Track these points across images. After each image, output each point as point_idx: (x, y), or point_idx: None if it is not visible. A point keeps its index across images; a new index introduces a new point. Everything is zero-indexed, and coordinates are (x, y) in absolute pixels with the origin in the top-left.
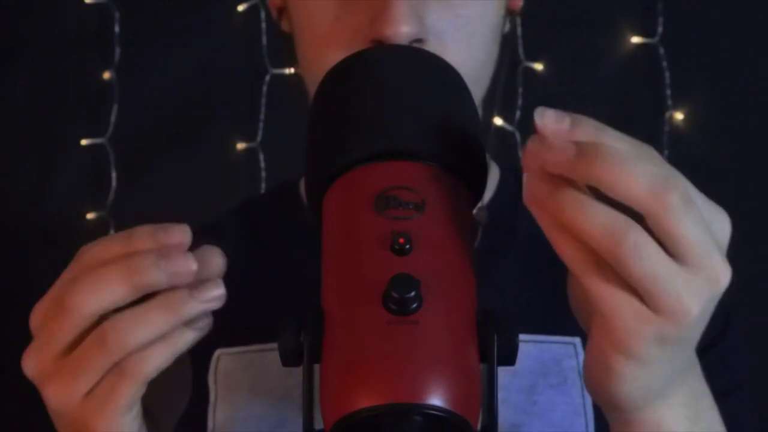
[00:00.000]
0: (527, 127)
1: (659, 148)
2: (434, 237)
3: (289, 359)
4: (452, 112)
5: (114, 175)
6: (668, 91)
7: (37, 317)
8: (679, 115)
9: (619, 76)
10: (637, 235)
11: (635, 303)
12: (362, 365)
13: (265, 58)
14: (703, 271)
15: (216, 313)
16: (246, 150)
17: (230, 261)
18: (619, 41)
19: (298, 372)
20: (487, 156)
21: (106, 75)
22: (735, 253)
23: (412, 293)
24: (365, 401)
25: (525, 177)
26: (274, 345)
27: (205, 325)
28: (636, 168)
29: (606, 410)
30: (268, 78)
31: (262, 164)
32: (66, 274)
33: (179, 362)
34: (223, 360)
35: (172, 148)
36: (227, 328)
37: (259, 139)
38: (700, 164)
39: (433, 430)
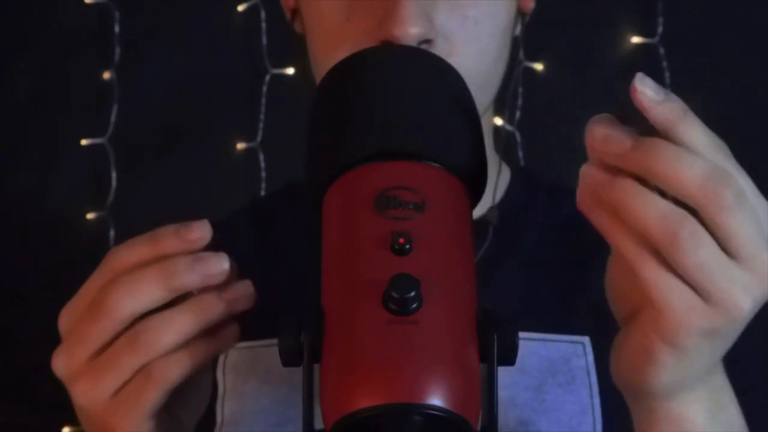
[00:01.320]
0: (527, 127)
1: None
2: (434, 237)
3: (289, 359)
4: (453, 112)
5: (114, 175)
6: None
7: (68, 318)
8: None
9: (619, 76)
10: (693, 227)
11: (690, 294)
12: (362, 365)
13: (265, 58)
14: (755, 269)
15: None
16: (246, 150)
17: (240, 258)
18: (619, 41)
19: None
20: (498, 157)
21: (106, 75)
22: None
23: (412, 293)
24: (365, 401)
25: (582, 169)
26: None
27: (232, 335)
28: (690, 163)
29: (630, 397)
30: (268, 78)
31: (262, 164)
32: (96, 277)
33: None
34: (232, 354)
35: (172, 148)
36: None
37: (259, 139)
38: None
39: (433, 430)
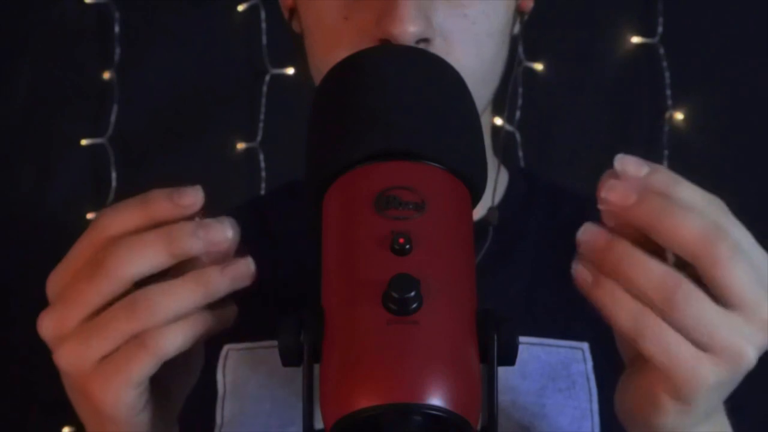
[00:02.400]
0: (527, 127)
1: (659, 148)
2: (434, 237)
3: (289, 359)
4: (452, 112)
5: (114, 175)
6: (668, 91)
7: (59, 281)
8: (679, 115)
9: (619, 76)
10: (687, 286)
11: (693, 350)
12: (362, 365)
13: (265, 58)
14: (754, 318)
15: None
16: (246, 150)
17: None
18: (619, 41)
19: None
20: (496, 159)
21: (106, 75)
22: None
23: (412, 293)
24: (365, 401)
25: (580, 232)
26: None
27: (230, 316)
28: (686, 219)
29: (631, 430)
30: (268, 78)
31: (262, 164)
32: (87, 240)
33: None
34: (232, 355)
35: (172, 148)
36: (237, 323)
37: (259, 139)
38: (700, 164)
39: (433, 430)
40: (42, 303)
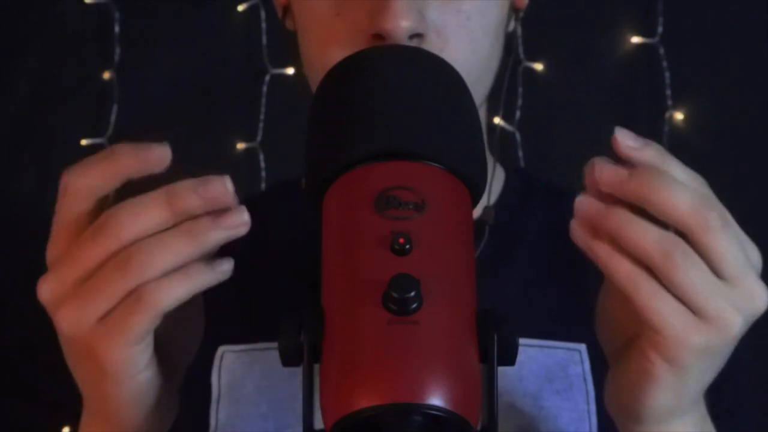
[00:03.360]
0: (527, 127)
1: None
2: (434, 237)
3: (289, 359)
4: (452, 112)
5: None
6: (668, 91)
7: (56, 248)
8: (679, 115)
9: (619, 76)
10: (685, 248)
11: (686, 313)
12: (362, 365)
13: (265, 58)
14: (742, 287)
15: (220, 310)
16: (246, 150)
17: (235, 256)
18: (619, 41)
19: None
20: (492, 158)
21: (106, 75)
22: None
23: (412, 293)
24: (365, 401)
25: (577, 199)
26: None
27: (227, 269)
28: (679, 190)
29: (623, 422)
30: (268, 78)
31: (262, 164)
32: (67, 204)
33: (193, 302)
34: (227, 357)
35: (172, 148)
36: (231, 325)
37: (259, 139)
38: (700, 164)
39: (433, 430)
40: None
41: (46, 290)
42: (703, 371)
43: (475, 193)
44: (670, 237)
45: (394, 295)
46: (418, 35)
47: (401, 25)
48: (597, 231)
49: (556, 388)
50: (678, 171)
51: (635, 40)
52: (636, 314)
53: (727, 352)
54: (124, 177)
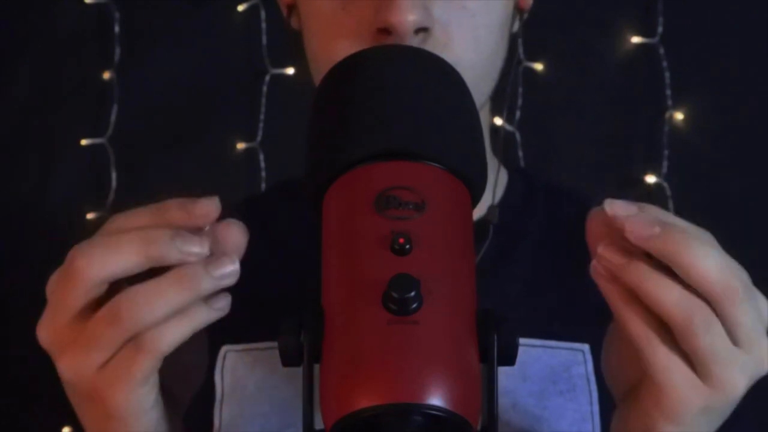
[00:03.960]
0: (527, 127)
1: (659, 148)
2: (434, 237)
3: (289, 359)
4: (453, 112)
5: (114, 175)
6: (668, 91)
7: (51, 284)
8: (679, 115)
9: (619, 76)
10: (707, 314)
11: (691, 374)
12: (362, 365)
13: (265, 58)
14: (753, 352)
15: None
16: (246, 150)
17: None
18: (619, 41)
19: None
20: (496, 158)
21: (106, 75)
22: (735, 254)
23: (412, 293)
24: (365, 401)
25: (600, 248)
26: None
27: (224, 305)
28: (708, 256)
29: None
30: (268, 78)
31: (262, 164)
32: (72, 290)
33: (195, 336)
34: (230, 357)
35: (172, 148)
36: (234, 324)
37: (259, 139)
38: (700, 164)
39: (433, 430)
40: (42, 303)
41: (43, 336)
42: (703, 426)
43: (475, 193)
44: (692, 300)
45: (394, 295)
46: (424, 29)
47: (407, 18)
48: (617, 278)
49: (560, 388)
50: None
51: (635, 40)
52: (641, 365)
53: (730, 410)
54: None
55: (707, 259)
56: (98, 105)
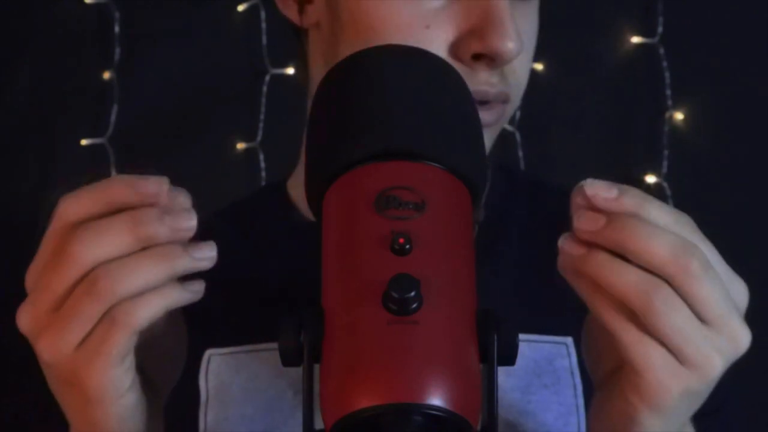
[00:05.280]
0: (527, 127)
1: (659, 148)
2: (434, 237)
3: (289, 359)
4: (453, 112)
5: (114, 175)
6: (668, 91)
7: (32, 276)
8: (679, 115)
9: (619, 76)
10: (666, 293)
11: (667, 356)
12: (362, 365)
13: (265, 58)
14: (724, 331)
15: (206, 313)
16: (246, 150)
17: (220, 261)
18: (619, 41)
19: (290, 373)
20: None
21: (106, 75)
22: (735, 253)
23: (412, 293)
24: (365, 401)
25: (560, 241)
26: (266, 345)
27: (198, 289)
28: (658, 237)
29: None
30: (268, 78)
31: (262, 164)
32: (52, 230)
33: (174, 322)
34: (214, 360)
35: (172, 148)
36: (218, 328)
37: (259, 139)
38: (700, 164)
39: (433, 430)
40: None
41: (24, 321)
42: (683, 410)
43: (476, 193)
44: (651, 281)
45: (394, 295)
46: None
47: (515, 47)
48: (581, 272)
49: (544, 382)
50: (659, 214)
51: (635, 40)
52: (619, 351)
53: (708, 391)
54: (116, 206)
55: (654, 240)
56: (98, 105)
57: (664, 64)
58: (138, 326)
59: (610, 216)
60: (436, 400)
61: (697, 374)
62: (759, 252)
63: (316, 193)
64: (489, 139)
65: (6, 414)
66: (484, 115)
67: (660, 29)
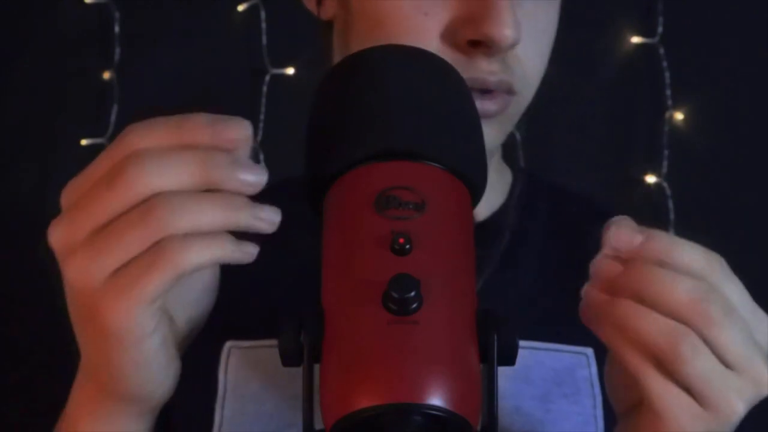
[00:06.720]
0: (527, 127)
1: (659, 148)
2: (434, 237)
3: (289, 359)
4: (453, 112)
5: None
6: (668, 91)
7: (73, 191)
8: (679, 115)
9: (619, 76)
10: (693, 340)
11: (688, 401)
12: (362, 365)
13: (265, 58)
14: (747, 374)
15: (229, 303)
16: None
17: None
18: (619, 41)
19: None
20: (500, 159)
21: (106, 75)
22: (735, 253)
23: (412, 293)
24: (365, 401)
25: (583, 290)
26: None
27: (252, 252)
28: (676, 285)
29: None
30: (268, 78)
31: (262, 164)
32: (111, 152)
33: (212, 276)
34: (234, 353)
35: None
36: (240, 320)
37: (259, 139)
38: (700, 164)
39: (433, 430)
40: (42, 304)
41: (57, 236)
42: None
43: (476, 193)
44: (676, 328)
45: (394, 295)
46: (512, 46)
47: (510, 34)
48: (606, 317)
49: (564, 391)
50: (688, 255)
51: (635, 40)
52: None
53: None
54: (188, 144)
55: (673, 287)
56: (98, 105)
57: (664, 64)
58: (184, 269)
59: (628, 264)
60: (436, 400)
61: (718, 417)
62: (759, 252)
63: (316, 192)
64: (494, 131)
65: (12, 415)
66: (486, 104)
67: (660, 29)
